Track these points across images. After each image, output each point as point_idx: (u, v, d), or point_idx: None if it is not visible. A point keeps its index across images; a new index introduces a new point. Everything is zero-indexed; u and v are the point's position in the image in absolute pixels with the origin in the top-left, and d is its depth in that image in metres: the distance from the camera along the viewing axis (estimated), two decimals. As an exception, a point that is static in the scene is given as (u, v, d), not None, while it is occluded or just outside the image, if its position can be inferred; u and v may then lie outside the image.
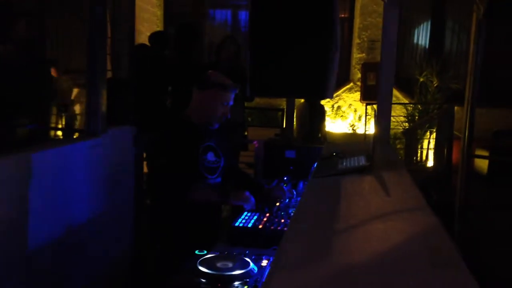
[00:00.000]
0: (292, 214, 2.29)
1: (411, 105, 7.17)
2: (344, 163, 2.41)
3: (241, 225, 2.13)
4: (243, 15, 8.06)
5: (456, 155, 5.52)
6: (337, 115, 7.73)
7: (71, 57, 5.38)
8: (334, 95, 7.71)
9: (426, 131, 6.84)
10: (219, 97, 2.36)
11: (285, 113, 5.02)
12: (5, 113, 3.34)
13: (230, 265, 1.64)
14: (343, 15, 7.84)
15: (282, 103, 6.63)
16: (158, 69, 4.53)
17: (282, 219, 2.23)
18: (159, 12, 7.99)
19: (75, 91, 5.22)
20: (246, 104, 4.74)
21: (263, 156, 3.41)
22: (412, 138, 6.75)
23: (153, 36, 4.94)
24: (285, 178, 2.89)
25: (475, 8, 4.35)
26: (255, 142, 3.54)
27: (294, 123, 4.52)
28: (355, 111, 7.74)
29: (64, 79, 5.03)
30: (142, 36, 6.57)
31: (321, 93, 2.84)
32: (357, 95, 7.75)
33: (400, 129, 6.97)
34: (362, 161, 2.34)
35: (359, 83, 7.72)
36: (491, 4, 4.29)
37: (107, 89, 2.98)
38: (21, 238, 2.31)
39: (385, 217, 1.49)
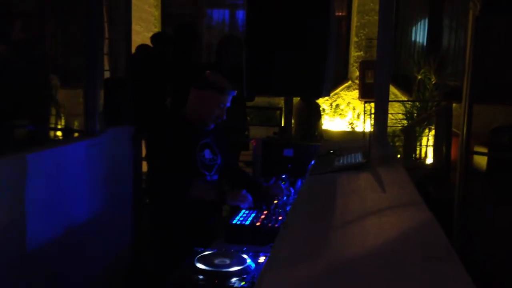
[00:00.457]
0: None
1: (409, 103, 7.17)
2: (341, 161, 2.42)
3: (238, 222, 2.15)
4: (241, 14, 8.07)
5: (454, 152, 5.53)
6: (335, 114, 7.74)
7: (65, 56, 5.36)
8: (333, 93, 7.71)
9: (425, 129, 6.85)
10: (216, 98, 2.37)
11: (283, 112, 5.03)
12: (3, 114, 3.35)
13: (228, 261, 1.65)
14: (340, 14, 7.84)
15: (281, 102, 6.64)
16: (160, 70, 4.54)
17: (280, 216, 2.24)
18: (156, 12, 8.00)
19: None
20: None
21: (261, 155, 3.42)
22: (411, 135, 6.75)
23: (155, 37, 4.98)
24: (283, 176, 2.91)
25: (472, 4, 4.36)
26: (253, 141, 3.55)
27: (293, 121, 4.53)
28: (354, 109, 7.74)
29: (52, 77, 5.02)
30: (140, 36, 6.58)
31: (318, 92, 2.86)
32: (356, 93, 7.76)
33: (399, 126, 6.98)
34: (358, 158, 2.36)
35: (357, 81, 7.72)
36: (487, 1, 4.30)
37: (105, 89, 2.99)
38: (20, 237, 2.32)
39: (380, 213, 1.50)
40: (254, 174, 3.43)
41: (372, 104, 3.29)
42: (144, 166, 3.89)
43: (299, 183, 2.87)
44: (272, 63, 2.76)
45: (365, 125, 7.16)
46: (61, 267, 2.60)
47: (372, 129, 3.07)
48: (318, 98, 5.28)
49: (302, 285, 1.03)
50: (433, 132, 6.58)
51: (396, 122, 7.03)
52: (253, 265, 1.66)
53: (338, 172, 2.18)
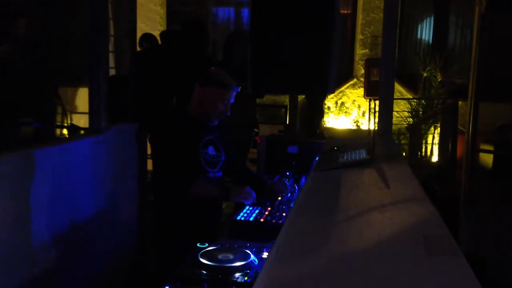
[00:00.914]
0: (293, 207, 2.30)
1: (415, 100, 7.15)
2: (345, 157, 2.41)
3: (242, 219, 2.15)
4: (246, 12, 8.07)
5: (460, 149, 5.50)
6: (341, 111, 7.73)
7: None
8: (338, 91, 7.70)
9: (430, 126, 6.82)
10: (220, 95, 2.37)
11: (288, 110, 5.03)
12: (11, 111, 3.38)
13: (231, 257, 1.66)
14: (345, 11, 7.83)
15: (286, 100, 6.64)
16: (166, 67, 4.55)
17: (284, 213, 2.24)
18: (162, 11, 8.01)
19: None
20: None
21: (265, 152, 3.42)
22: (417, 133, 6.73)
23: (164, 34, 5.00)
24: (288, 173, 2.91)
25: (477, 2, 4.33)
26: (257, 138, 3.55)
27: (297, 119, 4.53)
28: (359, 107, 7.73)
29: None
30: (145, 34, 6.58)
31: (323, 89, 2.85)
32: (361, 91, 7.74)
33: (405, 124, 6.96)
34: (363, 154, 2.35)
35: (362, 79, 7.71)
36: (494, -2, 4.28)
37: (110, 86, 3.00)
38: (26, 232, 2.34)
39: (383, 208, 1.50)
40: (259, 171, 3.43)
41: (377, 102, 3.28)
42: (150, 164, 3.91)
43: (303, 180, 2.87)
44: (276, 61, 2.75)
45: (370, 123, 7.14)
46: (66, 262, 2.62)
47: (376, 127, 3.06)
48: (322, 96, 5.27)
49: (304, 279, 1.03)
50: (438, 130, 6.56)
51: (401, 120, 7.01)
52: (256, 260, 1.67)
53: (342, 168, 2.18)
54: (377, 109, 3.24)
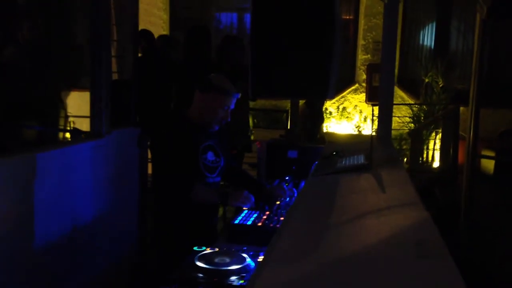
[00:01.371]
0: (291, 212, 2.31)
1: (416, 106, 7.17)
2: (344, 162, 2.43)
3: (240, 222, 2.17)
4: (249, 18, 8.10)
5: (462, 155, 5.50)
6: (342, 117, 7.74)
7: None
8: (340, 96, 7.72)
9: (432, 132, 6.83)
10: (220, 101, 2.38)
11: (289, 115, 5.04)
12: (14, 114, 3.41)
13: (227, 260, 1.67)
14: (348, 17, 7.86)
15: (288, 104, 6.65)
16: (165, 71, 4.58)
17: (282, 217, 2.25)
18: (165, 16, 8.06)
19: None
20: (252, 105, 4.73)
21: (265, 156, 3.44)
22: (418, 138, 6.74)
23: (161, 39, 5.03)
24: (287, 178, 2.92)
25: (478, 8, 4.35)
26: (257, 143, 3.57)
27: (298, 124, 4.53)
28: (361, 112, 7.74)
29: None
30: (148, 39, 6.61)
31: (323, 94, 2.87)
32: (362, 96, 7.76)
33: (406, 129, 6.97)
34: (361, 160, 2.37)
35: (364, 84, 7.73)
36: (494, 4, 4.28)
37: (112, 90, 3.03)
38: (28, 234, 2.36)
39: (378, 213, 1.52)
40: (259, 176, 3.44)
41: (376, 107, 3.30)
42: (150, 168, 3.94)
43: (302, 184, 2.89)
44: (277, 65, 2.78)
45: (372, 128, 7.15)
46: (67, 264, 2.64)
47: (373, 132, 3.08)
48: (323, 101, 5.28)
49: (295, 282, 1.04)
50: (440, 135, 6.56)
51: (403, 126, 7.02)
52: (252, 264, 1.68)
53: (340, 173, 2.20)
54: (376, 114, 3.26)
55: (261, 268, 1.13)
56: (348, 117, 7.76)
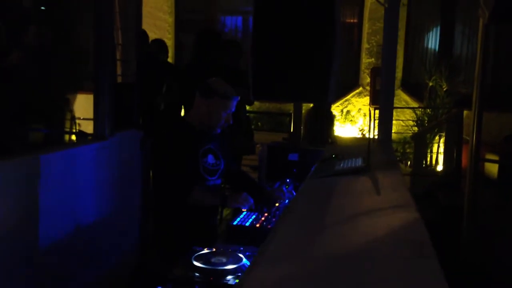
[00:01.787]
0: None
1: (420, 110, 7.17)
2: (342, 165, 2.46)
3: (239, 224, 2.20)
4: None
5: (465, 159, 5.50)
6: (346, 120, 7.76)
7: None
8: (343, 99, 7.74)
9: (436, 135, 6.84)
10: (222, 105, 2.42)
11: (292, 118, 5.06)
12: (20, 117, 3.46)
13: (224, 260, 1.70)
14: (352, 21, 7.88)
15: (291, 108, 6.68)
16: (159, 73, 4.64)
17: (280, 218, 2.28)
18: (170, 19, 8.13)
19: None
20: (256, 109, 4.75)
21: (266, 159, 3.46)
22: (421, 142, 6.74)
23: (155, 43, 5.11)
24: (288, 180, 2.95)
25: (481, 12, 4.36)
26: (258, 145, 3.59)
27: (302, 127, 4.56)
28: (365, 115, 7.76)
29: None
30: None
31: (324, 97, 2.89)
32: (366, 99, 7.77)
33: (410, 133, 6.98)
34: (359, 162, 2.40)
35: (368, 88, 7.74)
36: (496, 9, 4.29)
37: (115, 93, 3.07)
38: (31, 236, 2.40)
39: (371, 214, 1.55)
40: (259, 178, 3.47)
41: (377, 110, 3.33)
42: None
43: (302, 187, 2.91)
44: (278, 69, 2.80)
45: (372, 131, 7.17)
46: (69, 265, 2.67)
47: (371, 135, 3.10)
48: (324, 104, 5.28)
49: (285, 281, 1.07)
50: (443, 139, 6.57)
51: (407, 129, 7.03)
52: (248, 263, 1.71)
53: (338, 175, 2.23)
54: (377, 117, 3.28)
55: (253, 267, 1.16)
56: (352, 120, 7.78)
